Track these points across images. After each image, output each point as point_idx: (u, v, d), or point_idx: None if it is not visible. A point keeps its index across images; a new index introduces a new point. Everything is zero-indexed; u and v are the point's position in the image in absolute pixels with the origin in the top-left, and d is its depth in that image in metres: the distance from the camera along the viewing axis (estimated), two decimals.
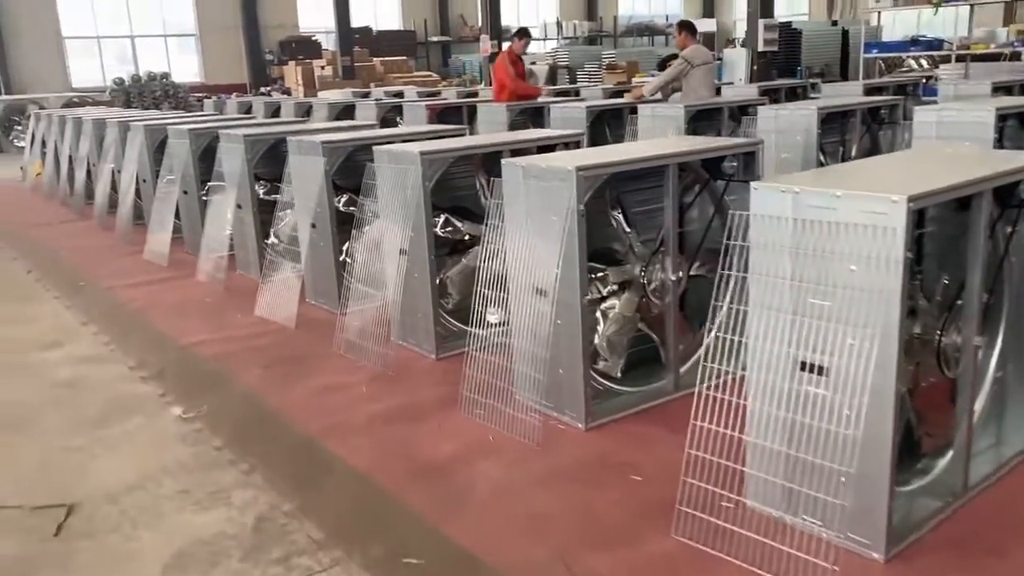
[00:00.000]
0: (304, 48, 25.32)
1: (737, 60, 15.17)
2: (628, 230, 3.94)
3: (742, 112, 7.57)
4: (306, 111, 11.52)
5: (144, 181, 7.90)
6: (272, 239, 6.40)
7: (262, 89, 22.76)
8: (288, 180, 5.51)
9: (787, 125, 6.12)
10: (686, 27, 8.75)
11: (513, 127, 8.42)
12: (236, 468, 3.43)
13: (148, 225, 7.65)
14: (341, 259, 5.22)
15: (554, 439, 3.43)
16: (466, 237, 4.85)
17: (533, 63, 20.18)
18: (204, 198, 6.95)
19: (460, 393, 3.70)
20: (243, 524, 2.97)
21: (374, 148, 4.62)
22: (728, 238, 2.59)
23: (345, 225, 5.18)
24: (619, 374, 3.87)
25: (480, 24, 28.61)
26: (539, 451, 3.32)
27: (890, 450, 2.46)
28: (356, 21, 23.32)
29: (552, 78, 18.07)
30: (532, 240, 3.51)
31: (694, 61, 8.33)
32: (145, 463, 3.50)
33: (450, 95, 12.82)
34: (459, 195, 4.94)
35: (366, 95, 14.83)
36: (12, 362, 4.89)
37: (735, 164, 3.95)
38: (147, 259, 7.02)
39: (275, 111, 12.04)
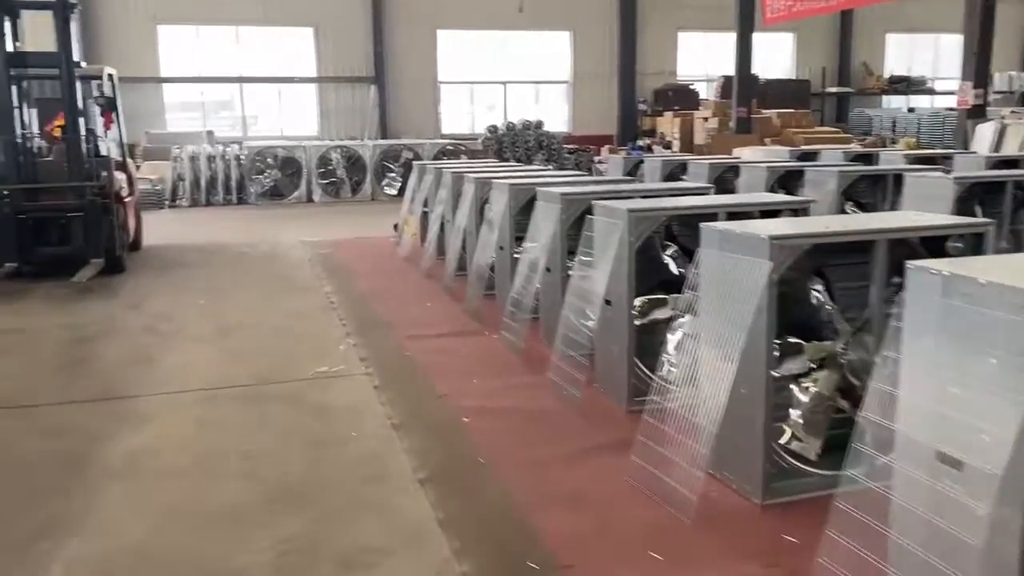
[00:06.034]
0: (681, 97, 22.22)
1: None
2: None
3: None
4: (786, 174, 7.74)
5: (608, 303, 4.56)
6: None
7: (639, 143, 19.83)
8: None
9: None
10: None
11: None
12: None
13: (598, 370, 4.29)
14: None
15: None
16: None
17: (1009, 115, 14.82)
18: None
19: None
20: None
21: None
22: None
23: None
24: None
25: (915, 71, 23.26)
26: None
27: None
28: None
29: None
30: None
31: None
32: None
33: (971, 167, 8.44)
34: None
35: (814, 155, 10.79)
36: None
37: None
38: (633, 483, 3.55)
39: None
